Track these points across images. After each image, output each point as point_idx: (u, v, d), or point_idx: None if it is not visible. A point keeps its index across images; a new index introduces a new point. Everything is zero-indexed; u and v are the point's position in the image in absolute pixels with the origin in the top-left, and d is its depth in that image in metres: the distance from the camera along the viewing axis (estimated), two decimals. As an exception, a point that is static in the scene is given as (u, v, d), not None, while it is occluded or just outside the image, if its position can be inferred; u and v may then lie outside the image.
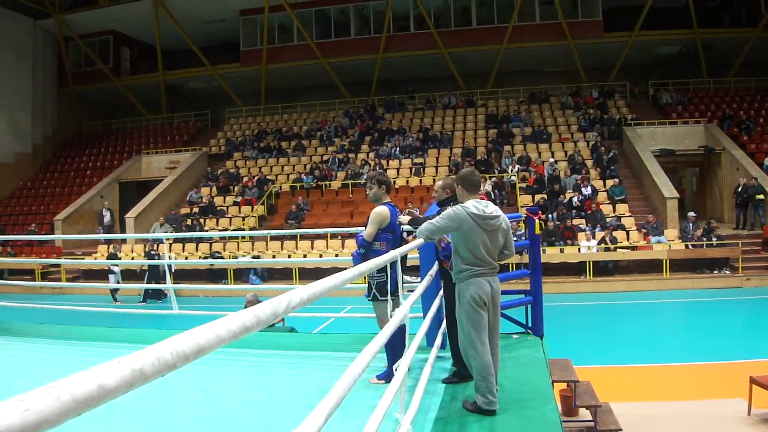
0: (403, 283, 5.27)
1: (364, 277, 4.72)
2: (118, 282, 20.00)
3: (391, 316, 3.90)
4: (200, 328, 1.24)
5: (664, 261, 19.45)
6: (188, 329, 1.25)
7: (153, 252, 20.99)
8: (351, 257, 5.88)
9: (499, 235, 4.81)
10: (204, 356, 1.24)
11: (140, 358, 1.04)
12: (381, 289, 5.45)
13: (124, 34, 35.16)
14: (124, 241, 23.93)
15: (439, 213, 5.10)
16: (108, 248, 23.73)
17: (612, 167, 24.34)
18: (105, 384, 0.96)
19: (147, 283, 19.05)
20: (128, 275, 21.90)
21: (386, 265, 4.56)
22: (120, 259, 21.33)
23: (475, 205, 4.70)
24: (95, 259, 23.13)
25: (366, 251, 5.56)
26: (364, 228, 5.75)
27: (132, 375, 1.01)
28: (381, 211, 5.63)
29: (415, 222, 5.37)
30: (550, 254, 19.72)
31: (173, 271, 19.23)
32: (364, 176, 25.57)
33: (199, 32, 33.03)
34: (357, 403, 4.42)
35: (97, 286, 19.94)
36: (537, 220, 7.08)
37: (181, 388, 5.42)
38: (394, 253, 4.24)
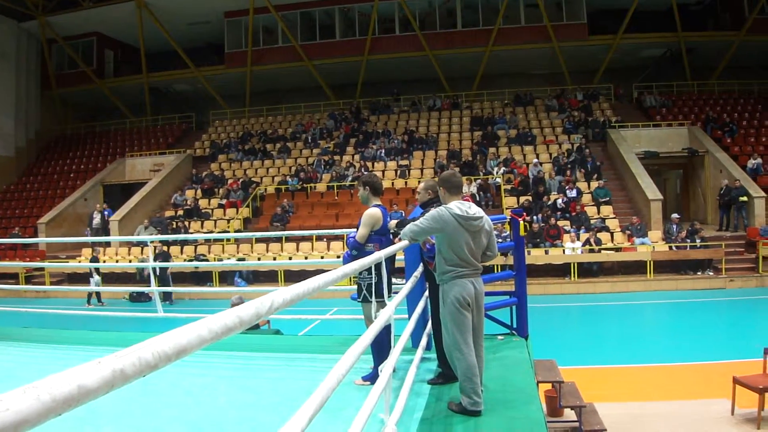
0: (390, 284, 5.27)
1: (350, 279, 4.71)
2: (97, 285, 19.87)
3: (376, 317, 3.90)
4: (182, 329, 1.24)
5: (648, 262, 19.55)
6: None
7: (160, 253, 20.82)
8: (337, 259, 5.89)
9: (482, 236, 4.83)
10: (186, 356, 1.24)
11: (121, 359, 1.04)
12: (371, 291, 5.44)
13: (107, 35, 34.96)
14: (108, 243, 23.77)
15: (422, 215, 5.11)
16: (92, 251, 23.66)
17: (586, 169, 24.46)
18: (85, 384, 0.96)
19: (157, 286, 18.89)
20: (110, 278, 21.77)
21: (377, 266, 4.56)
22: (98, 261, 21.17)
23: (458, 206, 4.72)
24: (79, 262, 22.98)
25: (359, 253, 5.56)
26: (354, 230, 5.75)
27: (113, 375, 1.01)
28: (373, 213, 5.63)
29: (401, 225, 5.38)
30: (535, 256, 19.77)
31: (169, 273, 19.19)
32: (349, 178, 25.61)
33: (183, 34, 32.88)
34: (342, 404, 4.41)
35: (81, 290, 19.81)
36: (522, 222, 7.09)
37: (166, 391, 5.40)
38: (380, 254, 4.24)
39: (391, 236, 5.78)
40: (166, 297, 19.35)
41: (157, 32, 31.96)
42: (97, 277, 20.39)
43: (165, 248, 20.86)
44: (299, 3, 31.48)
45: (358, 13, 32.18)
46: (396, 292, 5.00)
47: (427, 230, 4.79)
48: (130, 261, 22.74)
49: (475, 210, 4.80)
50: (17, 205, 31.05)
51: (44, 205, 29.88)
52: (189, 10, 31.36)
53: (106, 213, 26.92)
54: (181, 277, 21.48)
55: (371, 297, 5.38)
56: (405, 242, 5.08)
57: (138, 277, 21.77)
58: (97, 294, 19.87)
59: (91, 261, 20.79)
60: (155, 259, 19.91)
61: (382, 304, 5.09)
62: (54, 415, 0.91)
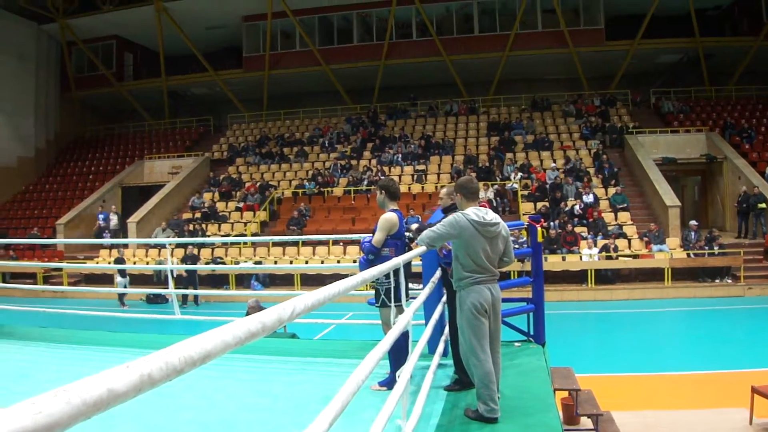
0: (408, 290, 5.28)
1: (367, 284, 4.73)
2: (125, 287, 19.98)
3: (394, 322, 3.90)
4: (207, 334, 1.25)
5: (666, 269, 19.43)
6: (190, 334, 1.26)
7: (189, 255, 20.92)
8: (353, 263, 5.90)
9: (499, 242, 4.83)
10: (210, 361, 1.25)
11: (149, 363, 1.05)
12: (389, 295, 5.44)
13: (126, 39, 35.25)
14: (125, 245, 23.93)
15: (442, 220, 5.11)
16: (110, 253, 23.84)
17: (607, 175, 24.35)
18: (114, 388, 0.97)
19: (184, 287, 19.01)
20: (135, 280, 21.91)
21: (396, 271, 4.56)
22: (125, 263, 21.29)
23: (475, 212, 4.72)
24: (97, 263, 23.15)
25: (375, 258, 5.56)
26: (370, 235, 5.76)
27: (140, 379, 1.02)
28: (389, 217, 5.63)
29: (420, 231, 5.38)
30: (552, 262, 19.70)
31: (175, 276, 19.27)
32: (365, 182, 25.64)
33: (201, 38, 33.10)
34: (359, 410, 4.42)
35: (98, 290, 19.92)
36: (539, 228, 7.08)
37: (181, 393, 5.43)
38: (398, 260, 4.24)
39: (407, 241, 5.78)
40: (194, 299, 19.46)
41: (176, 36, 32.19)
42: (121, 279, 20.48)
43: (195, 251, 20.97)
44: (317, 8, 31.59)
45: (375, 18, 32.26)
46: (413, 298, 5.01)
47: (444, 236, 4.79)
48: (147, 263, 22.86)
49: (492, 216, 4.79)
50: (36, 206, 31.35)
51: (63, 206, 30.14)
52: (208, 14, 31.57)
53: (100, 216, 27.14)
54: (199, 280, 21.56)
55: (390, 302, 5.38)
56: (422, 248, 5.08)
57: (155, 278, 21.88)
58: (120, 296, 19.98)
59: (116, 262, 20.86)
60: (184, 262, 20.06)
61: (399, 309, 5.09)
62: (84, 418, 0.92)
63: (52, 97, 35.33)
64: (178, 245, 22.51)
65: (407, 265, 5.65)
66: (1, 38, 31.33)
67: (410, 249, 5.66)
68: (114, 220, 27.00)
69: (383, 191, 5.80)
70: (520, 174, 25.18)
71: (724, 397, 9.25)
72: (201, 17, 31.67)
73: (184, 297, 19.18)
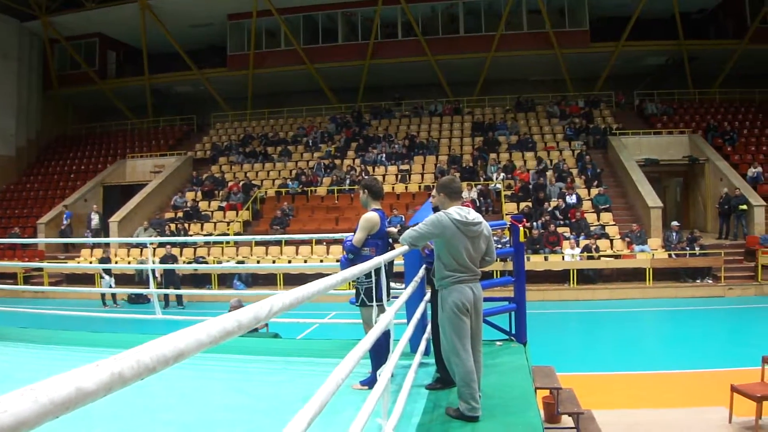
0: (390, 289, 5.27)
1: (349, 283, 4.71)
2: (110, 286, 19.83)
3: (375, 322, 3.90)
4: (181, 332, 1.24)
5: (648, 270, 19.55)
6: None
7: (169, 255, 20.80)
8: (336, 263, 5.89)
9: (481, 241, 4.83)
10: (184, 360, 1.24)
11: (119, 362, 1.04)
12: (369, 295, 5.43)
13: (110, 36, 34.98)
14: (107, 244, 23.76)
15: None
16: (91, 252, 23.68)
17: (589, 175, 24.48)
18: (83, 387, 0.96)
19: (165, 287, 18.90)
20: (117, 280, 21.75)
21: (376, 271, 4.55)
22: (110, 262, 21.12)
23: (457, 211, 4.73)
24: (79, 263, 22.98)
25: (354, 257, 5.56)
26: (352, 234, 5.75)
27: (111, 378, 1.01)
28: (370, 217, 5.63)
29: (402, 232, 5.39)
30: (534, 262, 19.78)
31: (156, 275, 19.19)
32: (347, 182, 25.62)
33: (186, 36, 32.92)
34: (340, 409, 4.41)
35: (79, 290, 19.78)
36: (521, 228, 7.09)
37: (161, 393, 5.40)
38: (379, 260, 4.24)
39: (390, 241, 5.78)
40: (177, 299, 19.35)
41: (159, 34, 32.00)
42: (107, 278, 20.33)
43: (173, 251, 20.85)
44: (302, 6, 31.51)
45: (361, 18, 32.21)
46: (395, 297, 5.00)
47: (426, 235, 4.79)
48: (129, 262, 22.72)
49: (474, 215, 4.80)
50: (17, 205, 31.05)
51: (44, 205, 29.87)
52: (192, 12, 31.39)
53: (66, 216, 26.99)
54: (180, 280, 21.45)
55: (369, 301, 5.37)
56: (404, 247, 5.08)
57: (137, 278, 21.75)
58: (102, 295, 19.82)
59: (102, 262, 20.71)
60: (163, 262, 19.94)
61: (381, 309, 5.09)
62: (52, 417, 0.91)
63: (34, 95, 34.99)
64: (160, 245, 22.40)
65: (389, 264, 5.65)
66: (-18, 36, 31.05)
67: (393, 249, 5.66)
68: (95, 219, 26.80)
69: (366, 190, 5.80)
70: (502, 174, 25.24)
71: (704, 396, 9.32)
72: (185, 15, 31.50)
73: (166, 298, 19.07)
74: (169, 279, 19.39)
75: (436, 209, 5.71)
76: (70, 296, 19.88)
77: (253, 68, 32.65)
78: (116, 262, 22.74)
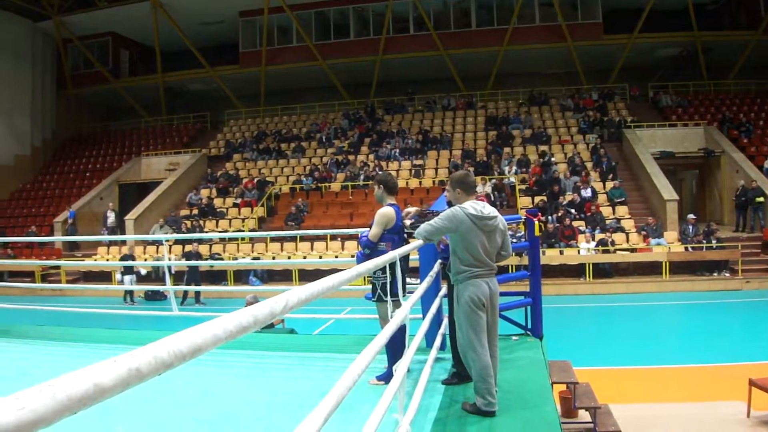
0: (405, 284, 5.26)
1: (364, 278, 4.71)
2: (131, 284, 19.92)
3: (391, 317, 3.89)
4: (197, 327, 1.24)
5: (664, 263, 19.44)
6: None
7: (192, 252, 20.86)
8: (351, 258, 5.89)
9: (497, 236, 4.81)
10: (201, 355, 1.23)
11: (136, 357, 1.04)
12: (385, 290, 5.42)
13: (122, 35, 35.20)
14: (123, 242, 23.89)
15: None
16: (108, 250, 23.83)
17: (607, 170, 24.35)
18: (101, 383, 0.95)
19: (187, 284, 19.00)
20: (140, 277, 21.87)
21: (392, 265, 4.54)
22: (135, 260, 21.20)
23: (472, 206, 4.70)
24: (96, 260, 23.13)
25: (371, 252, 5.56)
26: (368, 229, 5.75)
27: (128, 374, 1.01)
28: (386, 212, 5.62)
29: (415, 226, 5.37)
30: (550, 256, 19.72)
31: (173, 272, 19.31)
32: (362, 177, 25.63)
33: (198, 34, 33.03)
34: (356, 404, 4.41)
35: (96, 288, 19.91)
36: (536, 222, 7.06)
37: (182, 389, 5.42)
38: (393, 254, 4.23)
39: (405, 235, 5.77)
40: (195, 296, 19.43)
41: (172, 32, 32.12)
42: (128, 276, 20.42)
43: (198, 248, 20.96)
44: (314, 3, 31.56)
45: (372, 13, 32.19)
46: (411, 292, 4.99)
47: (442, 230, 4.77)
48: (145, 260, 22.83)
49: (489, 210, 4.78)
50: (33, 204, 31.30)
51: (60, 203, 30.09)
52: (204, 10, 31.48)
53: (69, 215, 27.15)
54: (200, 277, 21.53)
55: (385, 296, 5.37)
56: (419, 242, 5.07)
57: (153, 275, 21.85)
58: (130, 293, 19.89)
59: (122, 259, 20.80)
60: (188, 259, 20.05)
61: (397, 304, 5.08)
62: (69, 413, 0.91)
63: (48, 95, 35.24)
64: (177, 242, 22.50)
65: (405, 259, 5.64)
66: (-5, 36, 31.27)
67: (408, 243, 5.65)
68: (111, 217, 26.98)
69: (381, 186, 5.79)
70: (514, 168, 25.19)
71: (722, 390, 9.26)
72: (197, 13, 31.59)
73: (185, 294, 19.17)
74: (192, 276, 19.48)
75: (450, 204, 5.70)
76: (87, 293, 20.01)
77: (266, 65, 32.71)
78: (145, 259, 22.87)
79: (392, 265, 4.63)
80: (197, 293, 19.17)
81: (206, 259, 21.56)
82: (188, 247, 21.50)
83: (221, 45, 34.55)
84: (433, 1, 31.30)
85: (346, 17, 32.48)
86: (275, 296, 1.74)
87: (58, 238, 22.86)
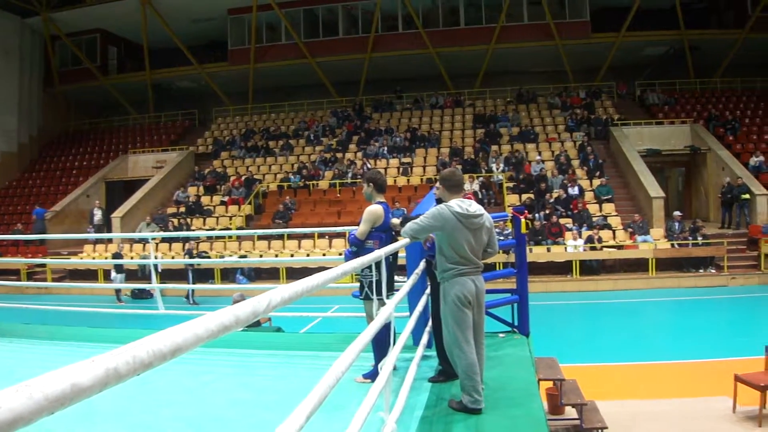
0: (393, 282, 5.26)
1: (352, 276, 4.71)
2: (120, 282, 19.83)
3: (376, 315, 3.90)
4: (178, 327, 1.24)
5: (650, 260, 19.54)
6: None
7: (191, 250, 20.78)
8: (339, 256, 5.89)
9: (483, 233, 4.83)
10: (182, 355, 1.23)
11: (115, 357, 1.04)
12: (372, 288, 5.43)
13: (111, 32, 34.98)
14: (110, 240, 23.79)
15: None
16: (94, 248, 23.72)
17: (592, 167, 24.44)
18: (78, 383, 0.96)
19: (192, 283, 18.97)
20: (129, 275, 21.79)
21: (378, 263, 4.56)
22: (123, 258, 21.09)
23: (458, 204, 4.72)
24: (81, 258, 23.01)
25: (358, 249, 5.56)
26: (355, 227, 5.76)
27: (106, 374, 1.01)
28: (374, 209, 5.63)
29: (405, 221, 5.39)
30: (537, 253, 19.78)
31: (159, 270, 19.24)
32: (349, 175, 25.62)
33: (186, 31, 32.89)
34: (342, 402, 4.41)
35: (82, 286, 19.81)
36: (523, 220, 7.09)
37: (165, 388, 5.41)
38: (380, 252, 4.23)
39: (393, 233, 5.78)
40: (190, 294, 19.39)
41: (160, 29, 31.96)
42: (117, 275, 20.34)
43: (196, 246, 20.93)
44: (302, 0, 31.46)
45: (361, 11, 32.14)
46: (398, 290, 5.00)
47: (428, 228, 4.79)
48: (132, 258, 22.73)
49: (475, 208, 4.79)
50: (19, 201, 31.11)
51: (46, 201, 29.88)
52: (193, 7, 31.37)
53: (35, 214, 27.03)
54: (183, 274, 21.45)
55: (373, 294, 5.38)
56: (406, 240, 5.08)
57: (140, 273, 21.77)
58: (117, 292, 19.79)
59: (114, 257, 20.67)
60: (187, 256, 20.05)
61: (382, 302, 5.09)
62: (47, 413, 0.91)
63: (35, 92, 35.00)
64: (163, 240, 22.42)
65: (394, 257, 5.65)
66: (-18, 32, 31.04)
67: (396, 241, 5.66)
68: (98, 215, 26.85)
69: (371, 183, 5.80)
70: (501, 165, 25.25)
71: (708, 385, 9.33)
72: (186, 10, 31.46)
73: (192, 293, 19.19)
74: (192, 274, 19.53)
75: (439, 201, 5.71)
76: (73, 292, 19.91)
77: (254, 63, 32.61)
78: (132, 257, 22.77)
79: (378, 264, 4.63)
80: (192, 292, 19.12)
81: (192, 258, 21.48)
82: (188, 246, 21.46)
83: (210, 42, 34.46)
84: (421, 0, 31.28)
85: (335, 15, 32.42)
86: (259, 295, 1.75)
87: (44, 236, 22.68)
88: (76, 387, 0.94)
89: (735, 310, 16.78)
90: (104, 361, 1.02)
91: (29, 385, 0.90)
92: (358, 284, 5.68)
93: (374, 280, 5.32)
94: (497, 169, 25.11)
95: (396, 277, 6.12)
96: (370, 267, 4.91)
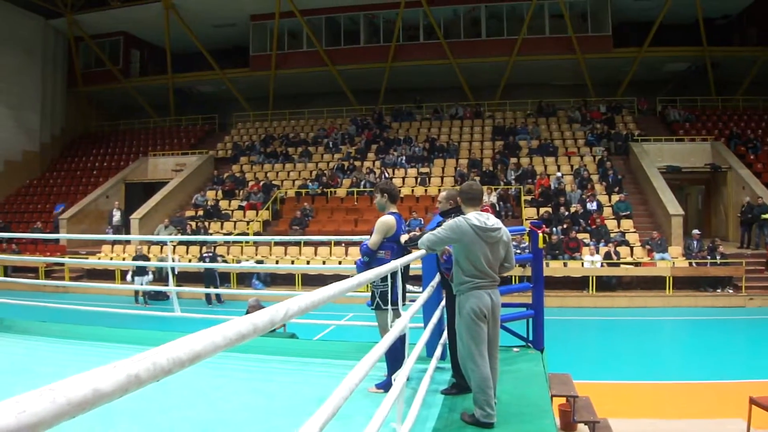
0: (405, 293, 5.27)
1: (367, 285, 4.73)
2: (142, 284, 19.85)
3: (391, 326, 3.90)
4: (197, 335, 1.25)
5: (668, 278, 19.39)
6: (189, 331, 1.26)
7: (207, 255, 20.90)
8: (354, 265, 5.90)
9: (500, 247, 4.82)
10: (200, 362, 1.25)
11: (136, 363, 1.05)
12: (384, 298, 5.44)
13: (134, 35, 35.35)
14: (128, 241, 23.94)
15: (440, 224, 5.11)
16: (112, 248, 23.88)
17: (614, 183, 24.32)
18: (100, 388, 0.97)
19: (206, 286, 19.09)
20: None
21: (389, 274, 4.56)
22: (149, 260, 21.16)
23: (476, 216, 4.72)
24: (99, 258, 23.17)
25: (370, 260, 5.57)
26: (368, 236, 5.77)
27: (127, 379, 1.02)
28: (386, 220, 5.64)
29: (412, 240, 5.40)
30: (554, 268, 19.68)
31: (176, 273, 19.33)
32: (363, 183, 25.65)
33: (209, 36, 33.16)
34: (355, 412, 4.42)
35: (99, 286, 19.94)
36: (541, 234, 7.07)
37: (180, 392, 5.43)
38: (395, 264, 4.24)
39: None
40: (216, 297, 19.48)
41: (183, 33, 32.26)
42: (139, 277, 20.41)
43: (214, 249, 21.01)
44: (325, 8, 31.61)
45: (383, 20, 32.26)
46: (412, 300, 5.00)
47: (445, 240, 4.79)
48: (149, 259, 22.84)
49: (493, 221, 4.79)
50: (39, 200, 31.41)
51: (66, 200, 30.16)
52: (215, 13, 31.63)
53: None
54: (199, 278, 21.54)
55: (384, 305, 5.38)
56: (422, 251, 5.08)
57: (156, 275, 21.88)
58: (143, 293, 19.76)
59: (135, 258, 20.73)
60: (204, 260, 20.13)
61: (396, 312, 5.10)
62: (69, 417, 0.93)
63: (58, 92, 35.43)
64: (181, 242, 22.53)
65: (406, 267, 5.66)
66: (8, 32, 31.39)
67: (408, 252, 5.66)
68: (117, 216, 27.06)
69: (384, 194, 5.81)
70: (513, 173, 25.23)
71: (722, 407, 9.23)
72: (209, 15, 31.74)
73: (207, 295, 19.28)
74: (211, 277, 19.62)
75: (444, 215, 5.72)
76: (90, 291, 20.04)
77: (275, 69, 32.79)
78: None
79: (392, 274, 4.64)
80: (217, 294, 19.25)
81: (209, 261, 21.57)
82: (205, 249, 21.55)
83: (232, 48, 34.72)
84: (443, 10, 31.33)
85: (356, 24, 32.56)
86: (276, 304, 1.76)
87: (63, 236, 22.86)
88: (98, 392, 0.96)
89: (752, 331, 16.60)
90: (126, 367, 1.03)
91: (53, 389, 0.91)
92: (371, 293, 5.69)
93: (386, 290, 5.34)
94: (515, 182, 25.03)
95: (410, 287, 6.13)
96: (382, 277, 4.92)
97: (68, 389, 0.93)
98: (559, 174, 25.02)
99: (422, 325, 5.94)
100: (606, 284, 19.77)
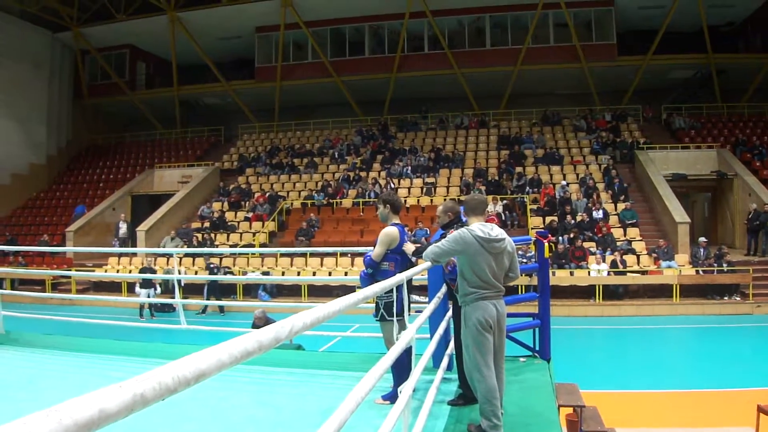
0: (410, 304, 5.27)
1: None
2: (149, 296, 19.84)
3: (397, 338, 3.90)
4: (202, 353, 1.26)
5: (674, 286, 19.33)
6: (195, 343, 1.27)
7: (212, 266, 20.94)
8: (359, 277, 5.89)
9: (505, 257, 4.83)
10: (205, 380, 1.26)
11: (142, 383, 1.06)
12: (388, 310, 5.43)
13: (140, 48, 35.53)
14: (134, 253, 23.99)
15: (443, 237, 5.12)
16: (119, 260, 23.91)
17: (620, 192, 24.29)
18: (106, 408, 0.98)
19: (207, 297, 19.12)
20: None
21: (399, 286, 4.57)
22: (156, 272, 21.17)
23: (480, 228, 4.73)
24: (106, 271, 23.21)
25: (374, 271, 5.57)
26: (372, 248, 5.76)
27: (133, 399, 1.03)
28: (390, 231, 5.64)
29: (418, 252, 5.40)
30: (560, 277, 19.64)
31: (182, 285, 19.36)
32: (367, 193, 25.67)
33: (214, 48, 33.32)
34: (361, 424, 4.41)
35: (106, 299, 19.95)
36: (546, 243, 7.06)
37: (185, 404, 5.42)
38: (401, 277, 4.24)
39: (407, 255, 5.77)
40: (219, 308, 19.53)
41: (188, 46, 32.41)
42: (144, 290, 20.40)
43: (218, 261, 21.07)
44: (329, 19, 31.72)
45: (387, 31, 32.36)
46: (419, 311, 5.00)
47: (449, 252, 4.80)
48: (156, 272, 22.86)
49: (497, 232, 4.80)
50: (46, 213, 31.51)
51: (73, 213, 30.23)
52: (221, 25, 31.79)
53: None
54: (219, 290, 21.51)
55: (389, 316, 5.38)
56: (427, 263, 5.08)
57: (162, 287, 21.89)
58: (150, 306, 19.75)
59: (142, 272, 20.74)
60: (211, 272, 20.21)
61: (401, 323, 5.09)
62: (75, 437, 0.93)
63: (64, 105, 35.61)
64: (187, 254, 22.56)
65: (409, 280, 5.66)
66: (15, 46, 31.61)
67: (412, 263, 5.65)
68: (123, 228, 27.11)
69: (387, 205, 5.81)
70: (527, 188, 25.18)
71: (730, 415, 9.19)
72: (214, 28, 31.90)
73: (205, 307, 19.36)
74: (214, 289, 19.69)
75: (445, 227, 5.72)
76: (97, 304, 20.07)
77: (281, 80, 32.91)
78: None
79: (397, 286, 4.64)
80: (220, 306, 19.32)
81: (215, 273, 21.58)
82: (188, 260, 21.60)
83: (237, 60, 34.86)
84: (447, 20, 31.39)
85: (361, 35, 32.66)
86: (281, 321, 1.77)
87: (69, 248, 22.92)
88: (103, 413, 0.97)
89: (760, 339, 16.50)
90: (131, 386, 1.04)
91: (59, 410, 0.92)
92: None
93: (390, 301, 5.33)
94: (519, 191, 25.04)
95: (417, 297, 6.13)
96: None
97: (74, 410, 0.93)
98: (564, 183, 25.01)
99: (428, 335, 5.94)
100: (613, 293, 19.72)
